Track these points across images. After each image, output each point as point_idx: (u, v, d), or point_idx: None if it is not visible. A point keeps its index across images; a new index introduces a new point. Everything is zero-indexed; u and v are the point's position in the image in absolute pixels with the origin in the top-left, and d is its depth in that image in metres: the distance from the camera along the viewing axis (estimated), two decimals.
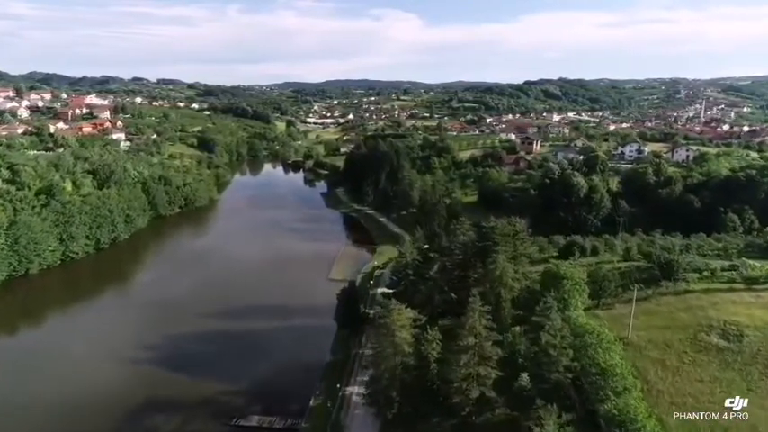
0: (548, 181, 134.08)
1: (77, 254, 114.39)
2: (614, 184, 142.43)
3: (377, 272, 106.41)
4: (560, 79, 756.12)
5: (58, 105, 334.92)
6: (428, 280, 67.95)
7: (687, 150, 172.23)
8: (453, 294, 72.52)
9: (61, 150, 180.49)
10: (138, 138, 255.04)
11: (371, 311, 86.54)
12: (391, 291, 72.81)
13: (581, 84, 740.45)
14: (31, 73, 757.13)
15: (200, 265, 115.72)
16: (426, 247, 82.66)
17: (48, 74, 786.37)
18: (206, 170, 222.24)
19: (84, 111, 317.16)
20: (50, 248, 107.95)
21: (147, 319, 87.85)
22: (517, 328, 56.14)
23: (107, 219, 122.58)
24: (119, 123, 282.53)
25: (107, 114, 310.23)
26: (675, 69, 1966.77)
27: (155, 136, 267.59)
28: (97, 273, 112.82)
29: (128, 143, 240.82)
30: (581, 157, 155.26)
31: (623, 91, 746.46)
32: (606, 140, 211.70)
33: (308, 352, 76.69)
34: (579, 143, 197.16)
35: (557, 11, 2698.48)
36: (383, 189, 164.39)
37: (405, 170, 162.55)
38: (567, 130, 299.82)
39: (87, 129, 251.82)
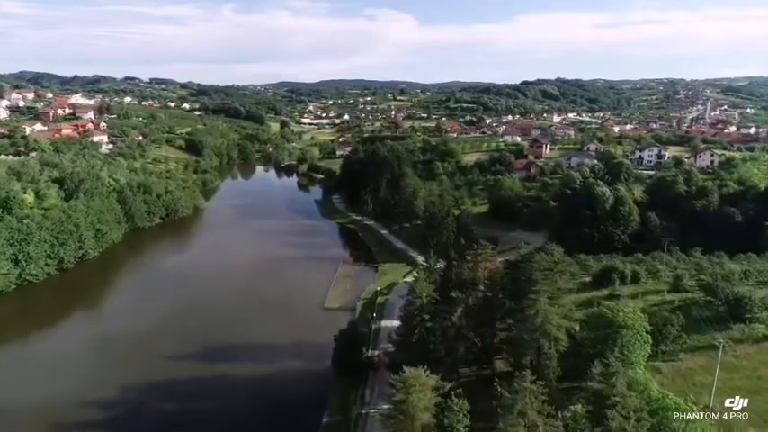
0: (568, 191, 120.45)
1: (36, 276, 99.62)
2: (638, 193, 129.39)
3: (379, 298, 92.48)
4: (558, 79, 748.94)
5: (40, 105, 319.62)
6: (449, 327, 54.28)
7: (711, 155, 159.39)
8: (478, 340, 58.92)
9: (32, 155, 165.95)
10: (122, 140, 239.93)
11: (375, 353, 72.88)
12: (401, 337, 58.71)
13: (579, 84, 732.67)
14: (21, 72, 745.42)
15: (175, 288, 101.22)
16: (441, 272, 68.76)
17: (38, 73, 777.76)
18: (193, 175, 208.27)
19: (68, 111, 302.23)
20: (2, 272, 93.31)
21: (107, 361, 73.53)
22: (578, 406, 42.37)
23: (73, 235, 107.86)
24: (102, 125, 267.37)
25: (90, 115, 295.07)
26: (670, 70, 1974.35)
27: (140, 138, 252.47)
28: (58, 299, 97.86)
29: (110, 146, 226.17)
30: (600, 164, 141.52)
31: (621, 91, 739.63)
32: (620, 144, 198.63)
33: (297, 409, 62.54)
34: (593, 147, 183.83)
35: (550, 11, 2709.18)
36: (383, 198, 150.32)
37: (407, 177, 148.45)
38: (572, 132, 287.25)
39: (67, 130, 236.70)
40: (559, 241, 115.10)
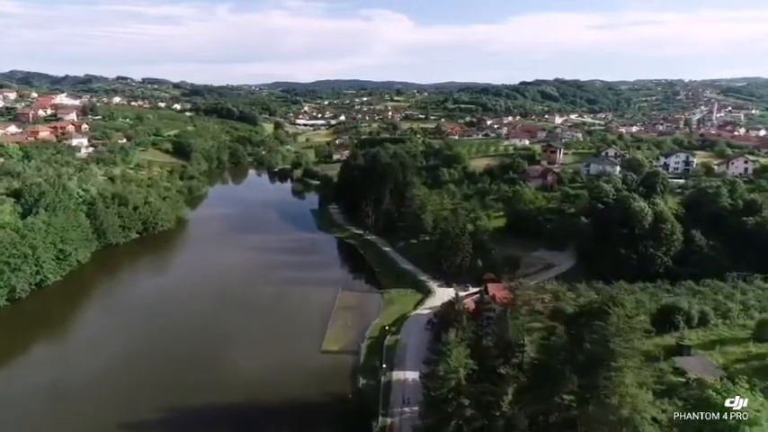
0: (600, 205, 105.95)
1: None
2: (673, 205, 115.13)
3: (388, 339, 77.19)
4: (556, 80, 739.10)
5: (20, 106, 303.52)
6: (497, 418, 39.65)
7: (746, 162, 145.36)
8: (529, 422, 44.11)
9: None
10: (104, 143, 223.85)
11: (389, 422, 57.93)
12: (429, 429, 43.69)
13: (577, 85, 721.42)
14: (11, 71, 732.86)
15: (145, 323, 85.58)
16: (474, 328, 53.94)
17: (29, 72, 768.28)
18: (178, 181, 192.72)
19: (49, 112, 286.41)
20: None
21: (46, 425, 58.37)
22: None
23: (28, 258, 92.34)
24: (84, 126, 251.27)
25: (73, 116, 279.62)
26: (665, 71, 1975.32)
27: (124, 141, 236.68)
28: (3, 337, 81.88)
29: (90, 149, 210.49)
30: (632, 173, 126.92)
31: (620, 92, 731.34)
32: (639, 148, 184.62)
33: None
34: (611, 152, 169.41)
35: (545, 12, 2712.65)
36: (386, 210, 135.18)
37: (414, 187, 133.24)
38: (579, 135, 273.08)
39: (45, 133, 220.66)
40: (590, 263, 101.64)
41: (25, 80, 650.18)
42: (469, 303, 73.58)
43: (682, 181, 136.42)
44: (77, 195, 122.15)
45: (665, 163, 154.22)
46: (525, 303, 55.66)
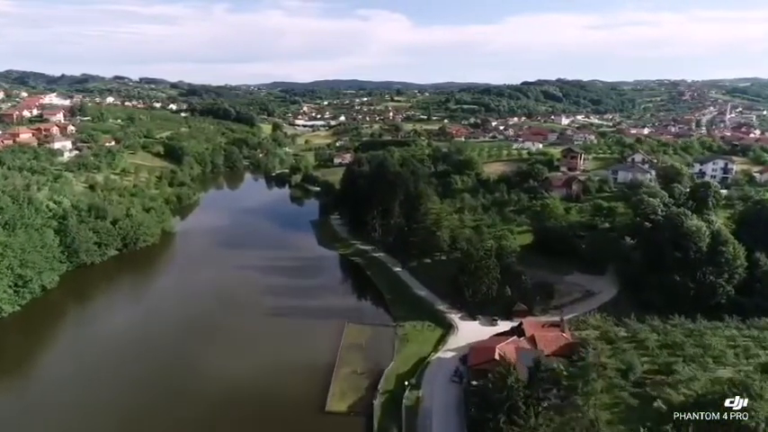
0: (647, 223, 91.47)
1: None
2: (723, 220, 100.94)
3: (407, 396, 62.40)
4: (558, 80, 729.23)
5: (5, 106, 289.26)
6: None
7: None
8: None
9: None
10: (90, 146, 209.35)
11: None
12: None
13: (580, 85, 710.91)
14: (7, 71, 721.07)
15: (109, 368, 70.98)
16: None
17: (25, 72, 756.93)
18: (167, 188, 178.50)
19: (35, 112, 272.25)
20: None
21: None
22: None
23: None
24: (70, 128, 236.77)
25: (59, 117, 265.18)
26: (662, 71, 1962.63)
27: (112, 143, 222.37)
28: None
29: (74, 153, 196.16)
30: (676, 185, 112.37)
31: (623, 92, 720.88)
32: (665, 153, 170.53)
33: None
34: (638, 158, 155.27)
35: (540, 12, 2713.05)
36: (396, 224, 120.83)
37: (427, 199, 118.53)
38: (592, 137, 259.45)
39: (26, 135, 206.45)
40: (637, 291, 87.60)
41: (21, 80, 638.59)
42: (508, 351, 59.39)
43: (725, 191, 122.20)
44: (46, 209, 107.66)
45: (700, 170, 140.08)
46: (600, 368, 41.45)
